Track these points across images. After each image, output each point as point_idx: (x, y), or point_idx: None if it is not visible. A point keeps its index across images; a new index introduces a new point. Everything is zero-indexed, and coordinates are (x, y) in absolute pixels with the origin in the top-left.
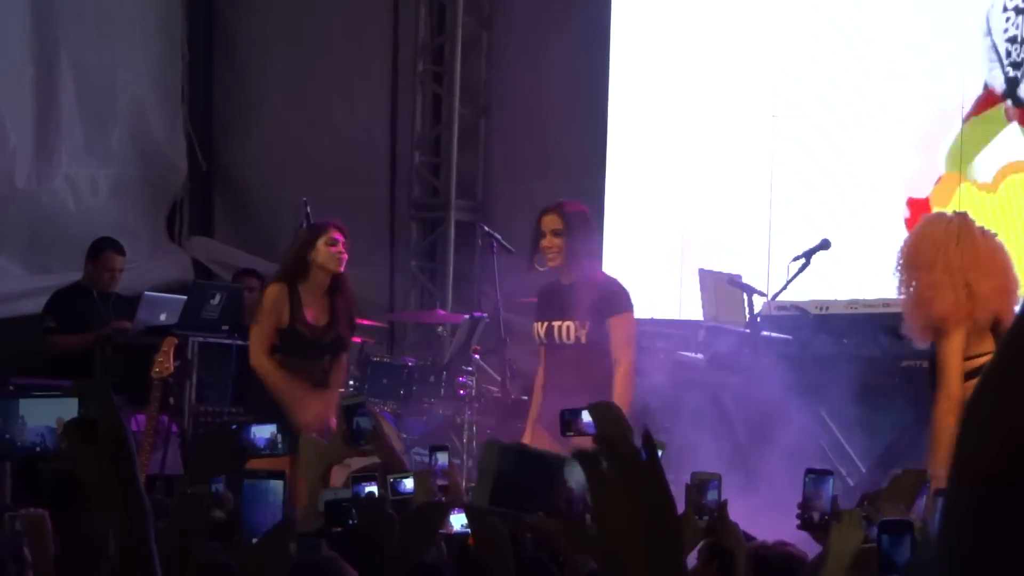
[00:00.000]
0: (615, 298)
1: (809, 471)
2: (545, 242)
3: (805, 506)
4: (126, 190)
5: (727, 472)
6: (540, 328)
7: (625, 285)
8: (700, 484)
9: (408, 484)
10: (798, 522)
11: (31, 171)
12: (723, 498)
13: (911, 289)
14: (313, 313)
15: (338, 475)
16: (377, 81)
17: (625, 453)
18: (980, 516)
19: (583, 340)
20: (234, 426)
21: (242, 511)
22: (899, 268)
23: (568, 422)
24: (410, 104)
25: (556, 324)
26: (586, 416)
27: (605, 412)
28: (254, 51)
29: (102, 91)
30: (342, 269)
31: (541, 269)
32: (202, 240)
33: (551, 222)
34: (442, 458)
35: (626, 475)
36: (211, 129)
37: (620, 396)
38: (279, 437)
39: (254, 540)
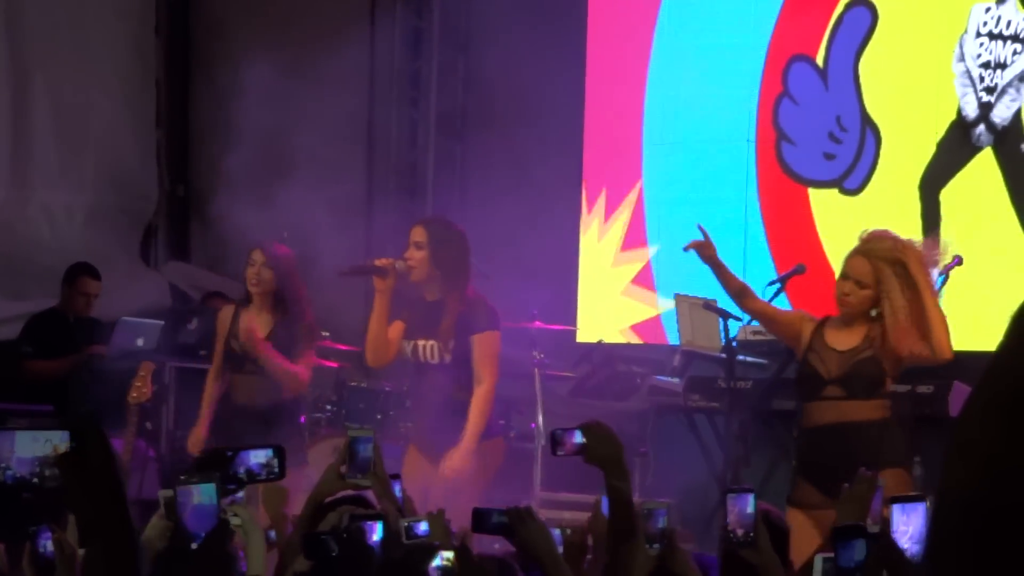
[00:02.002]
0: (478, 316)
1: (729, 490)
2: (407, 253)
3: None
4: (101, 217)
5: (704, 498)
6: (407, 346)
7: (491, 304)
8: (649, 512)
9: (423, 527)
10: (721, 544)
11: (6, 198)
12: (672, 525)
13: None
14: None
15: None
16: (353, 108)
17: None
18: (966, 541)
19: (447, 360)
20: (229, 453)
21: (177, 518)
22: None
23: (559, 441)
24: (385, 129)
25: (421, 343)
26: (578, 436)
27: (597, 432)
28: (230, 74)
29: (77, 116)
30: (254, 289)
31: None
32: (179, 265)
33: (416, 234)
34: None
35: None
36: (188, 153)
37: (475, 415)
38: (275, 461)
39: (193, 546)
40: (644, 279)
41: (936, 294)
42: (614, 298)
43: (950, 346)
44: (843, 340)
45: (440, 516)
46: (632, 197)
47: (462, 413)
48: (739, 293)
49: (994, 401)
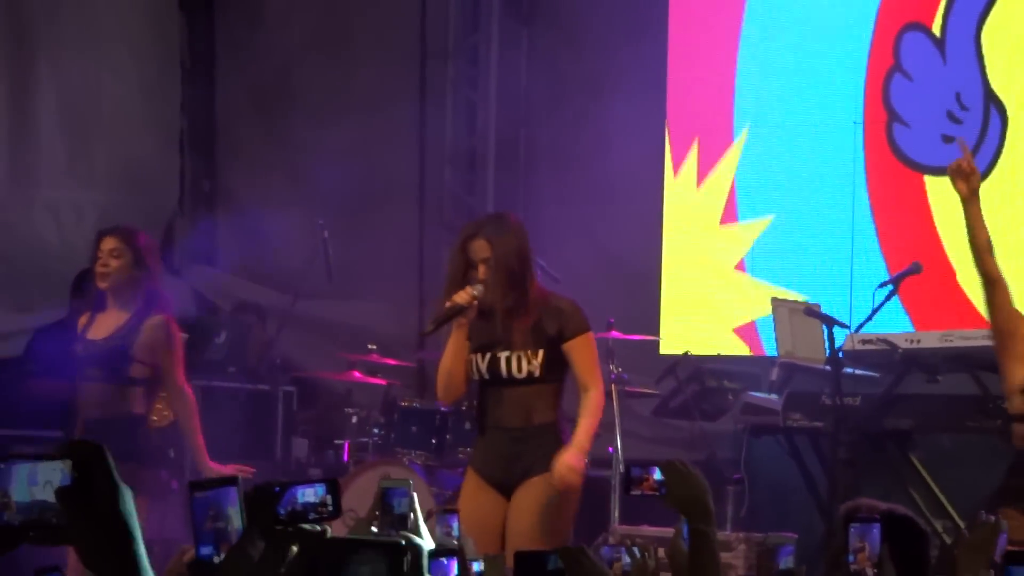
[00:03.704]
0: (567, 319)
1: (852, 520)
2: (480, 274)
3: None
4: (115, 216)
5: (807, 532)
6: (481, 362)
7: (574, 300)
8: (771, 549)
9: (477, 567)
10: None
11: (6, 197)
12: (800, 565)
13: None
14: (99, 329)
15: None
16: (403, 87)
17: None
18: None
19: (536, 372)
20: (276, 488)
21: (195, 527)
22: None
23: (635, 479)
24: (440, 113)
25: (502, 355)
26: (657, 474)
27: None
28: (263, 57)
29: (86, 103)
30: (103, 285)
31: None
32: (204, 270)
33: (480, 249)
34: (454, 525)
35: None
36: (214, 146)
37: (589, 416)
38: (329, 499)
39: (215, 559)
40: (738, 282)
41: None
42: (700, 303)
43: None
44: None
45: (500, 559)
46: (723, 188)
47: (545, 436)
48: (985, 248)
49: None
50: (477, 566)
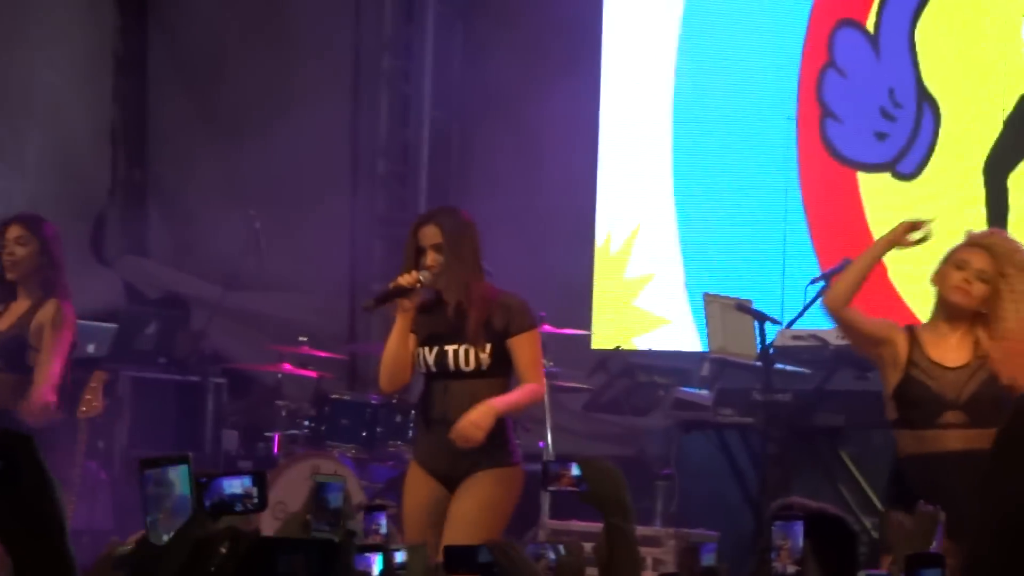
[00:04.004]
0: (514, 315)
1: (776, 516)
2: (428, 260)
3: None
4: (45, 205)
5: (737, 527)
6: (428, 355)
7: (523, 298)
8: (694, 548)
9: (400, 557)
10: None
11: None
12: (722, 563)
13: None
14: (5, 320)
15: None
16: (336, 79)
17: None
18: (1001, 570)
19: (485, 364)
20: (203, 479)
21: (145, 506)
22: None
23: (553, 475)
24: (374, 105)
25: (450, 348)
26: (575, 469)
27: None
28: (197, 47)
29: (17, 94)
30: (11, 275)
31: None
32: (135, 260)
33: (430, 235)
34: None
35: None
36: (146, 136)
37: (518, 393)
38: (255, 491)
39: (165, 538)
40: (669, 275)
41: None
42: (634, 298)
43: None
44: (949, 355)
45: (422, 548)
46: (657, 182)
47: (492, 432)
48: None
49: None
50: (400, 556)
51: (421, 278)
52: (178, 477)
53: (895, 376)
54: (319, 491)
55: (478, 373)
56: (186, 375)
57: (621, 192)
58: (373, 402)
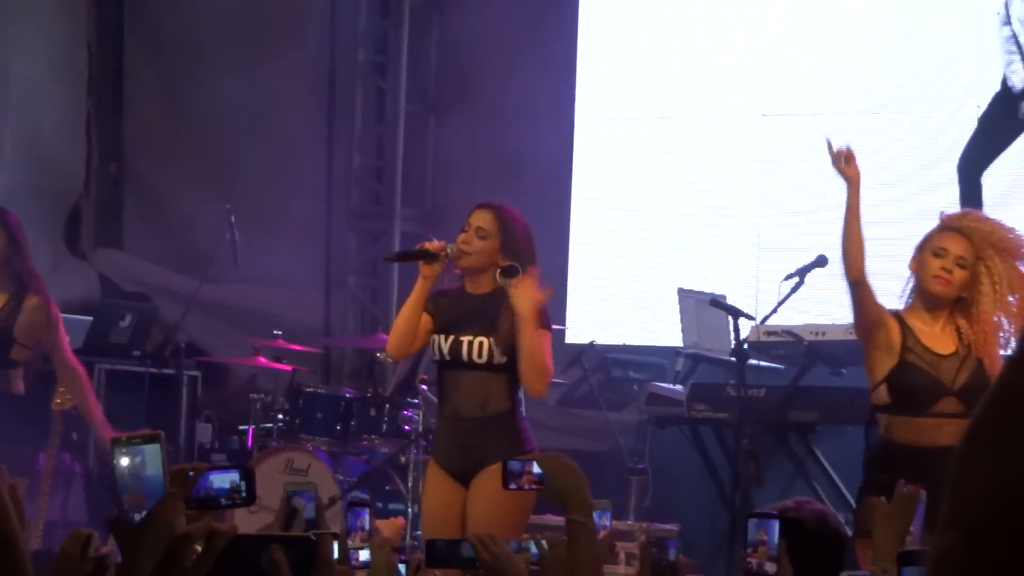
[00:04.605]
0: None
1: (752, 515)
2: (464, 239)
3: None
4: (19, 197)
5: (710, 522)
6: (443, 342)
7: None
8: (656, 541)
9: (364, 555)
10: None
11: None
12: (681, 555)
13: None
14: None
15: None
16: (313, 73)
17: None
18: (970, 566)
19: (502, 360)
20: (190, 473)
21: (116, 486)
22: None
23: (514, 473)
24: (350, 100)
25: (466, 339)
26: (536, 467)
27: (557, 462)
28: (172, 39)
29: None
30: None
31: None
32: (110, 253)
33: (480, 219)
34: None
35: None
36: (122, 128)
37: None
38: (242, 485)
39: (137, 517)
40: (643, 271)
41: None
42: (607, 293)
43: None
44: (938, 343)
45: (384, 547)
46: (631, 176)
47: (503, 425)
48: (861, 246)
49: (998, 424)
50: (364, 555)
51: (449, 249)
52: (152, 456)
53: (889, 360)
54: (290, 500)
55: (488, 366)
56: (160, 368)
57: (597, 185)
58: (347, 396)
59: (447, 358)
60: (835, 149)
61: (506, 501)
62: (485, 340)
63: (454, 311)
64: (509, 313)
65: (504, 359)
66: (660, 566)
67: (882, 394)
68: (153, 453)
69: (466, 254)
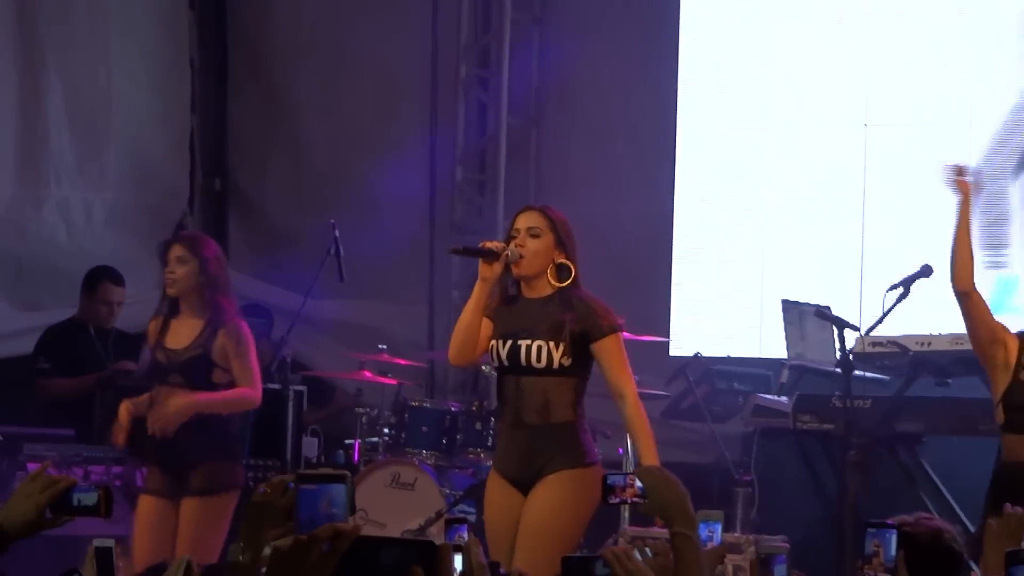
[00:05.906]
0: (599, 318)
1: (869, 525)
2: (519, 241)
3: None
4: (125, 215)
5: (819, 535)
6: (501, 347)
7: (605, 303)
8: (765, 558)
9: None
10: None
11: (15, 196)
12: (793, 571)
13: None
14: (178, 338)
15: None
16: (413, 88)
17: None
18: None
19: (564, 364)
20: (291, 484)
21: (297, 521)
22: None
23: (613, 488)
24: (451, 114)
25: (524, 343)
26: (637, 481)
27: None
28: (273, 55)
29: (95, 102)
30: (170, 292)
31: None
32: None
33: (529, 219)
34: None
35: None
36: (225, 145)
37: (644, 434)
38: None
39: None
40: (747, 283)
41: None
42: (711, 305)
43: None
44: None
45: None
46: (734, 187)
47: (564, 434)
48: (970, 256)
49: None
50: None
51: (508, 252)
52: (338, 496)
53: (1004, 379)
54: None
55: (549, 371)
56: (266, 383)
57: (700, 197)
58: (453, 409)
59: (506, 363)
60: (948, 165)
61: (560, 513)
62: (544, 344)
63: (513, 316)
64: (569, 316)
65: (566, 362)
66: None
67: (1000, 413)
68: (339, 494)
69: (523, 256)
